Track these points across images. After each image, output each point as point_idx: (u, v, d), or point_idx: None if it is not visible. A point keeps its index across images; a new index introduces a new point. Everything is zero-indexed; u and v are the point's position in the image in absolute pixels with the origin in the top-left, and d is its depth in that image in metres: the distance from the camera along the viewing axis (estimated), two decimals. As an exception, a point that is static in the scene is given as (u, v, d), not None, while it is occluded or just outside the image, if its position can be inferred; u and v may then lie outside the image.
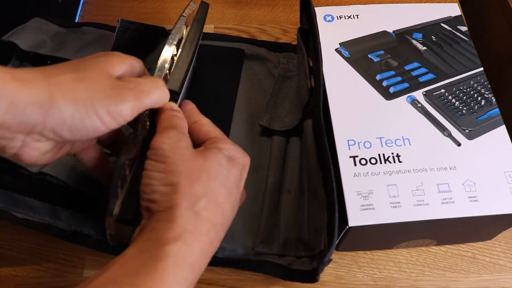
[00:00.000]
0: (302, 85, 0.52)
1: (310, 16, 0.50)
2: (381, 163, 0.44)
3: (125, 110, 0.33)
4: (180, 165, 0.34)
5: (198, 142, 0.39)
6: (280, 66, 0.58)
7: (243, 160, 0.38)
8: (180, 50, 0.44)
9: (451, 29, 0.53)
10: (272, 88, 0.56)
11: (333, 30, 0.53)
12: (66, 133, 0.32)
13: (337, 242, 0.40)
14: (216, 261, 0.46)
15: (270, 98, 0.56)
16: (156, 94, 0.36)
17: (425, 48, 0.52)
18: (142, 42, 0.56)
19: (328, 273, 0.48)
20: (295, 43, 0.61)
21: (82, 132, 0.32)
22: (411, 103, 0.47)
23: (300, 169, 0.51)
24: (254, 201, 0.49)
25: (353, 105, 0.47)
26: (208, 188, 0.34)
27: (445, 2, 0.63)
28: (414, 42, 0.52)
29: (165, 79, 0.40)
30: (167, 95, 0.38)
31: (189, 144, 0.36)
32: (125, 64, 0.36)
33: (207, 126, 0.39)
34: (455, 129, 0.46)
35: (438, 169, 0.43)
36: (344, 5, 0.56)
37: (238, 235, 0.47)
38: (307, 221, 0.47)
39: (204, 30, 0.64)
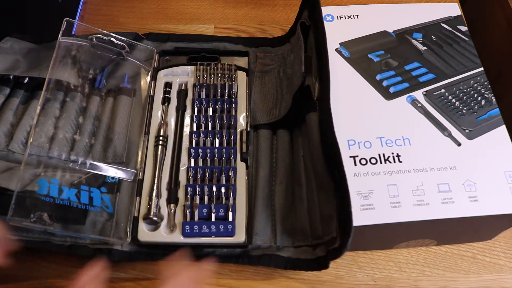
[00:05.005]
0: (294, 72, 0.52)
1: (315, 9, 0.50)
2: (381, 163, 0.44)
3: None
4: None
5: None
6: (258, 61, 0.58)
7: None
8: None
9: (451, 29, 0.53)
10: (253, 84, 0.56)
11: (333, 30, 0.53)
12: None
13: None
14: (215, 258, 0.46)
15: (252, 95, 0.55)
16: None
17: (425, 48, 0.52)
18: None
19: (328, 273, 0.48)
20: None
21: None
22: (411, 103, 0.47)
23: (291, 160, 0.51)
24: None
25: (353, 105, 0.47)
26: None
27: (445, 2, 0.63)
28: (414, 42, 0.52)
29: None
30: None
31: None
32: None
33: None
34: (455, 129, 0.46)
35: (438, 169, 0.43)
36: (344, 5, 0.56)
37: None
38: (308, 211, 0.47)
39: (204, 31, 0.65)
